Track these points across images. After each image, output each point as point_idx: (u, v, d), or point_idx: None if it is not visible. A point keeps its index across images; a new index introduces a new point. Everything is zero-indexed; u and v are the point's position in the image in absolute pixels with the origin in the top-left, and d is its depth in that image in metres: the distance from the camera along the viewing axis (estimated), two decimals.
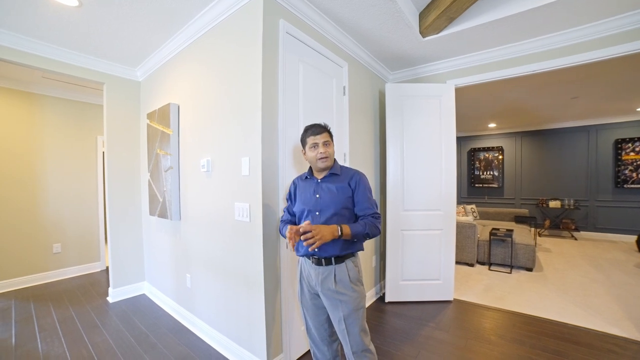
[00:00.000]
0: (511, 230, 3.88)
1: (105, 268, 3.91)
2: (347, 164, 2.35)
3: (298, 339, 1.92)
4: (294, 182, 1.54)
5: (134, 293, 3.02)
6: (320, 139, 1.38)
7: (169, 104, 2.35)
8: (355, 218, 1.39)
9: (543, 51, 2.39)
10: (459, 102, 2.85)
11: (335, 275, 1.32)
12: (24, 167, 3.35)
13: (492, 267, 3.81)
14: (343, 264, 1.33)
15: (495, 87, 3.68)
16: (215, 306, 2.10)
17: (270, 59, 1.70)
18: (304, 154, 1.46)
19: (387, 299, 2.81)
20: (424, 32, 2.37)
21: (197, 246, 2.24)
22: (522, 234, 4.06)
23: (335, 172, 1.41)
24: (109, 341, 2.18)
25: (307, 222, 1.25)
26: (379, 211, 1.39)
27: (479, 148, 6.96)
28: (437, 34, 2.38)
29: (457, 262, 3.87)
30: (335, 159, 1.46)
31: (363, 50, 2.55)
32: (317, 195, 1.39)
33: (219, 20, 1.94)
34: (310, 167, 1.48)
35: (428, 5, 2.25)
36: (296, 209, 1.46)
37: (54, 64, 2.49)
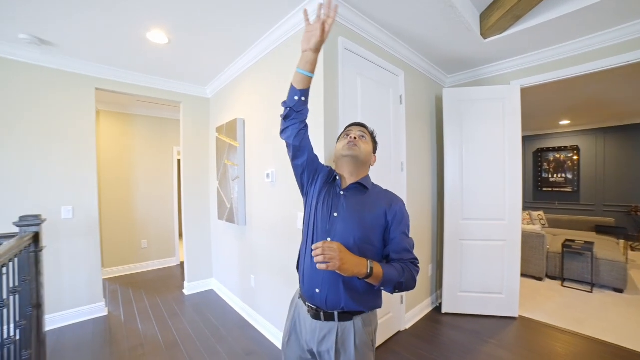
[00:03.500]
0: (591, 243, 3.42)
1: (179, 263, 4.45)
2: (404, 173, 2.35)
3: None
4: (328, 169, 1.15)
5: (204, 288, 3.40)
6: (355, 129, 1.12)
7: (235, 119, 2.61)
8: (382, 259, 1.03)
9: (629, 40, 2.09)
10: (523, 99, 2.62)
11: (337, 336, 0.97)
12: (123, 175, 4.03)
13: (566, 283, 3.41)
14: (350, 322, 0.98)
15: (569, 82, 3.29)
16: (277, 307, 2.26)
17: (331, 75, 1.80)
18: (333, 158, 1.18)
19: (443, 310, 2.73)
20: (485, 34, 2.25)
21: (261, 250, 2.45)
22: (607, 248, 3.55)
23: (363, 183, 1.06)
24: (188, 329, 2.50)
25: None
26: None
27: (547, 148, 6.23)
28: (500, 34, 2.24)
29: (522, 275, 3.55)
30: (368, 175, 1.13)
31: (419, 57, 2.52)
32: (335, 214, 1.02)
33: (281, 41, 2.10)
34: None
35: (490, 6, 2.14)
36: (304, 224, 1.11)
37: (146, 90, 2.99)
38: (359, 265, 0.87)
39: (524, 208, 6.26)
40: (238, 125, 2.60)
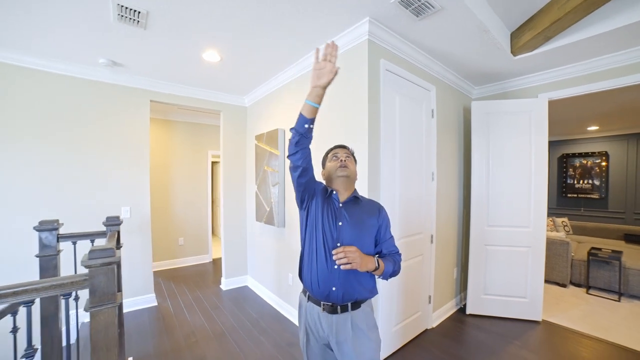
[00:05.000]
0: (619, 252, 3.43)
1: (211, 260, 4.76)
2: (434, 183, 2.51)
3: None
4: (323, 186, 1.30)
5: (239, 284, 3.67)
6: (341, 151, 1.31)
7: (277, 129, 2.84)
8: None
9: None
10: (549, 107, 2.70)
11: (351, 322, 1.17)
12: (165, 176, 4.39)
13: (592, 291, 3.44)
14: (360, 310, 1.19)
15: (601, 92, 3.31)
16: None
17: (374, 97, 1.97)
18: (323, 174, 1.36)
19: (468, 311, 2.85)
20: (515, 52, 2.37)
21: (299, 249, 2.65)
22: (638, 257, 3.53)
23: (357, 196, 1.28)
24: (231, 321, 2.75)
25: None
26: None
27: (573, 154, 6.15)
28: (530, 52, 2.35)
29: (546, 281, 3.59)
30: (356, 189, 1.33)
31: (450, 72, 2.66)
32: (340, 223, 1.20)
33: None
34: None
35: (521, 26, 2.26)
36: (307, 236, 1.26)
37: (193, 100, 3.28)
38: (370, 262, 1.12)
39: (547, 214, 6.21)
40: (279, 135, 2.82)
